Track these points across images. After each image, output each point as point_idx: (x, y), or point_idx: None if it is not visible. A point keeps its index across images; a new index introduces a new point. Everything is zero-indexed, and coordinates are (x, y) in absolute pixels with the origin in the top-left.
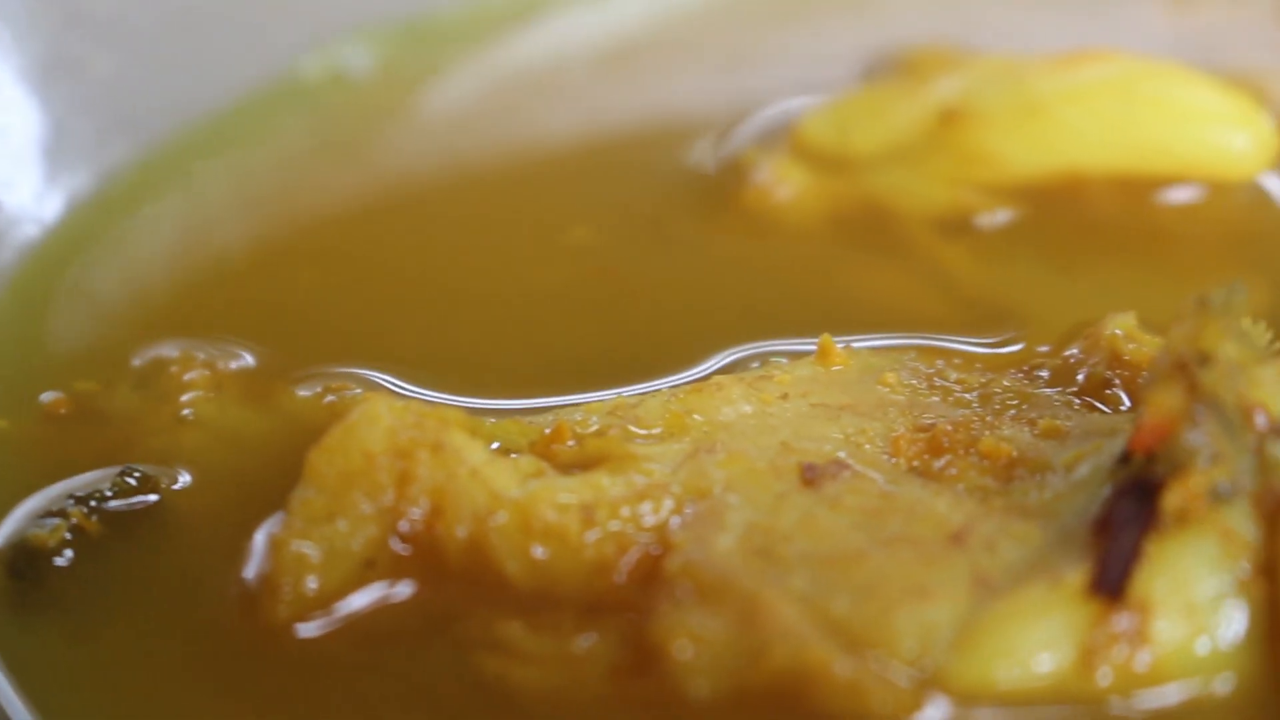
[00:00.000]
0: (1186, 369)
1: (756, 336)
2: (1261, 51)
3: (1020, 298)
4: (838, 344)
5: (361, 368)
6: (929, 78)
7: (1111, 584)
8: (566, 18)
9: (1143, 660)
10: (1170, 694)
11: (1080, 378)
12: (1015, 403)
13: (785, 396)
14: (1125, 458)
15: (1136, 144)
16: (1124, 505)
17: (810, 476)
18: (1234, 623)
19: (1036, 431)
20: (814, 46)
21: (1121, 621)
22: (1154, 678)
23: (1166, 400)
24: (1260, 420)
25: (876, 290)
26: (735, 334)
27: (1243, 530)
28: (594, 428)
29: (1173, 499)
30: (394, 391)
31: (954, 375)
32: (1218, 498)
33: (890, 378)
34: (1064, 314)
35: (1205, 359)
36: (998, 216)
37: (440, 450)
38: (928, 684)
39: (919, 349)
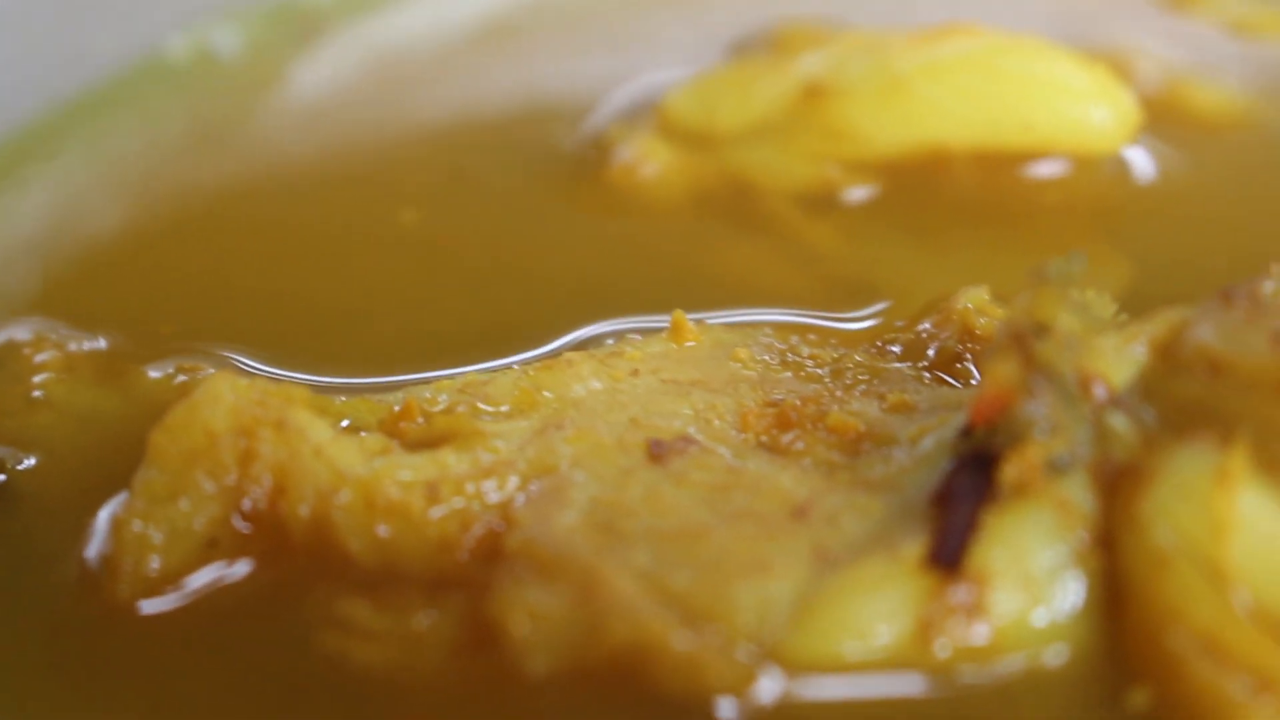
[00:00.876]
0: (1023, 340)
1: (614, 314)
2: (1130, 27)
3: (883, 273)
4: (694, 320)
5: (218, 348)
6: (795, 54)
7: (948, 556)
8: None
9: (980, 632)
10: (1008, 665)
11: (931, 352)
12: (866, 378)
13: (636, 373)
14: (968, 431)
15: (998, 119)
16: (962, 478)
17: (657, 452)
18: (1071, 594)
19: (885, 406)
20: (686, 23)
21: (959, 593)
22: (992, 649)
23: (1003, 372)
24: (1099, 391)
25: (738, 266)
26: (592, 311)
27: (1080, 501)
28: (443, 405)
29: (1010, 471)
30: (241, 370)
31: (807, 350)
32: (1055, 469)
33: (742, 353)
34: (927, 289)
35: (1042, 330)
36: (861, 192)
37: (283, 428)
38: (765, 657)
39: (775, 325)
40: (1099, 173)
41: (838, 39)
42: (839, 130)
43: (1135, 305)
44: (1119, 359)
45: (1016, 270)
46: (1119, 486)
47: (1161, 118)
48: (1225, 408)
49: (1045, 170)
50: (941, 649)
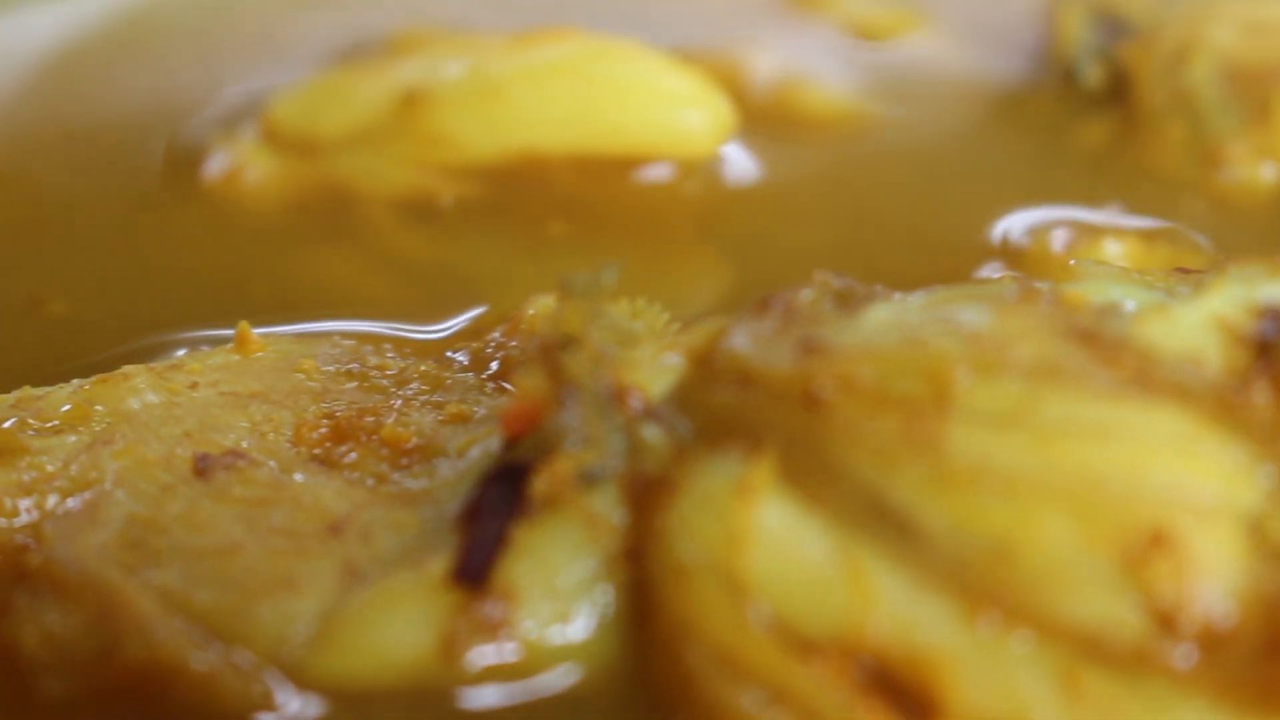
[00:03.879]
0: (550, 353)
1: (192, 325)
2: (750, 28)
3: (479, 281)
4: (264, 332)
5: None
6: (399, 59)
7: (472, 571)
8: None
9: (508, 648)
10: (537, 680)
11: (495, 363)
12: (428, 388)
13: (195, 386)
14: (510, 444)
15: (594, 124)
16: (491, 491)
17: (202, 467)
18: (599, 609)
19: (443, 417)
20: (300, 27)
21: (485, 609)
22: (520, 666)
23: (529, 385)
24: (635, 402)
25: (328, 276)
26: (170, 323)
27: (609, 514)
28: None
29: (540, 483)
30: None
31: (373, 360)
32: (585, 481)
33: (307, 364)
34: (523, 297)
35: (570, 343)
36: (461, 199)
37: None
38: (286, 676)
39: (357, 335)
40: (702, 175)
41: (435, 44)
42: (437, 137)
43: (737, 307)
44: (656, 369)
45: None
46: (648, 498)
47: (772, 119)
48: (755, 418)
49: (647, 174)
50: (468, 666)
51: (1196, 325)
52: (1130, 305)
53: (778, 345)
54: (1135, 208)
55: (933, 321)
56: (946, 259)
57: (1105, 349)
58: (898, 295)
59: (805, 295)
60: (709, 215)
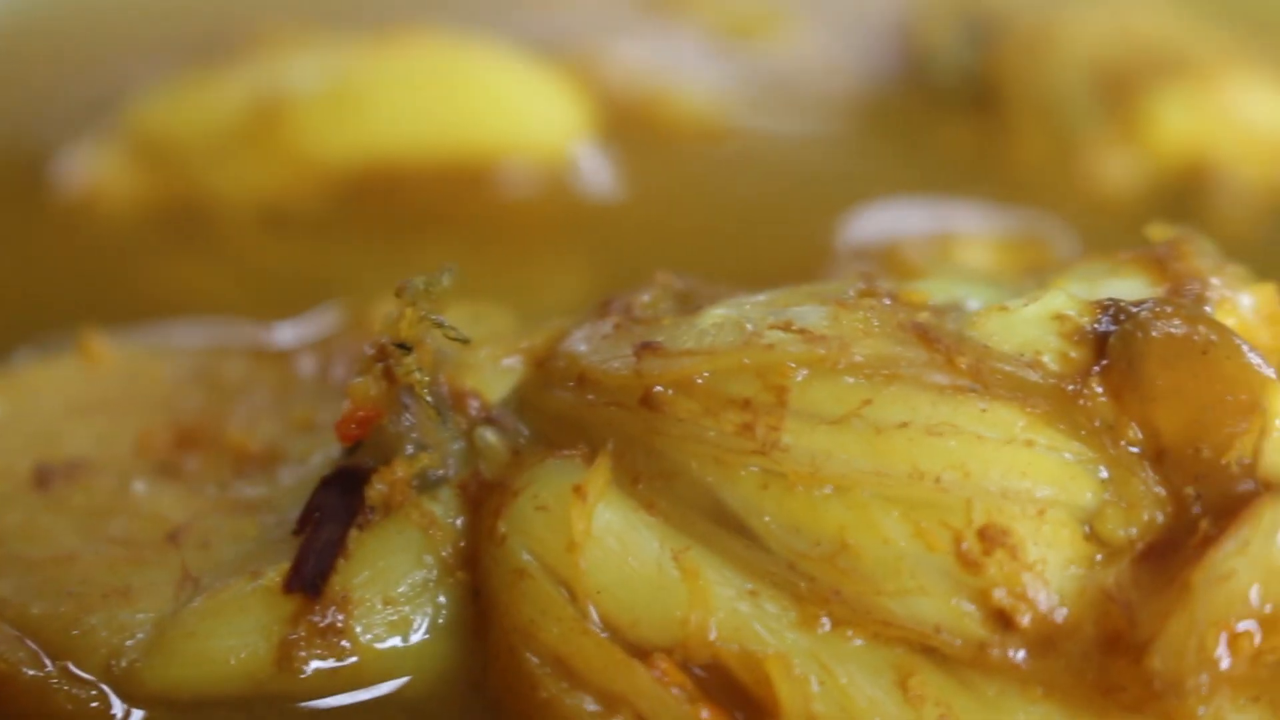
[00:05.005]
0: (385, 356)
1: (39, 335)
2: (614, 28)
3: (332, 287)
4: (113, 339)
5: None
6: (257, 61)
7: (306, 579)
8: None
9: (344, 656)
10: (374, 687)
11: (341, 368)
12: (275, 395)
13: (39, 395)
14: (352, 449)
15: (447, 127)
16: (328, 497)
17: (42, 477)
18: (436, 613)
19: (288, 423)
20: (158, 29)
21: (321, 617)
22: (357, 671)
23: (362, 390)
24: (474, 406)
25: (177, 283)
26: (13, 333)
27: (448, 518)
28: None
29: (377, 489)
30: None
31: (221, 368)
32: (423, 486)
33: (154, 372)
34: (374, 303)
35: (405, 346)
36: (320, 206)
37: None
38: (119, 686)
39: (200, 342)
40: (559, 178)
41: (294, 45)
42: (296, 142)
43: None
44: (494, 373)
45: (482, 279)
46: (487, 502)
47: (632, 120)
48: (593, 421)
49: (503, 178)
50: (304, 674)
51: (1036, 323)
52: (973, 304)
53: (615, 347)
54: (999, 209)
55: (770, 321)
56: (806, 262)
57: (943, 348)
58: (739, 295)
59: (645, 297)
60: (565, 218)
